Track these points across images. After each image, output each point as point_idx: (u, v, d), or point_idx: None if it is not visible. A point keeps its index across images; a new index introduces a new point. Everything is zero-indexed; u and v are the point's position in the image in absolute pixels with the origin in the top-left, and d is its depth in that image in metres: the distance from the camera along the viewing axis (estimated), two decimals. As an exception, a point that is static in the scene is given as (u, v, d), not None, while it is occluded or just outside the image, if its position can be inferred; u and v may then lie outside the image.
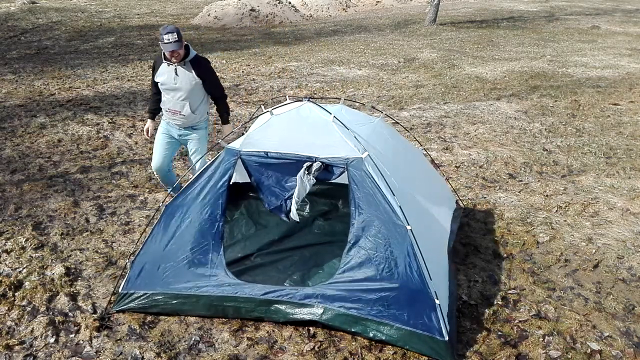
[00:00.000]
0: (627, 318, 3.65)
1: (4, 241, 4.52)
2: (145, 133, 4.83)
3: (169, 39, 4.09)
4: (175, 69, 4.27)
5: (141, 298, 3.55)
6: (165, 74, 4.32)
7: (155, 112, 4.74)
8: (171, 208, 3.65)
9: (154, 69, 4.42)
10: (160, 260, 3.56)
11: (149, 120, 4.79)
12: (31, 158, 6.32)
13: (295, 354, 3.28)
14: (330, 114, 3.60)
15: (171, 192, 4.08)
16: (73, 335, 3.44)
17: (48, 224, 4.83)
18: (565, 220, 4.96)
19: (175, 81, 4.32)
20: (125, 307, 3.57)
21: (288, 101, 3.98)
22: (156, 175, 4.90)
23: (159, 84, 4.40)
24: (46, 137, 6.98)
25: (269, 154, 3.53)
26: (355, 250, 3.33)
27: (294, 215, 3.56)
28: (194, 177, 3.66)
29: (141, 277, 3.58)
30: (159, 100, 4.53)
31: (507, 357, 3.26)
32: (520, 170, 6.08)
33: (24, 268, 4.14)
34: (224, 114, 4.76)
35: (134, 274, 3.60)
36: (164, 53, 4.25)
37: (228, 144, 3.67)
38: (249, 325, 3.51)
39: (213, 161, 3.64)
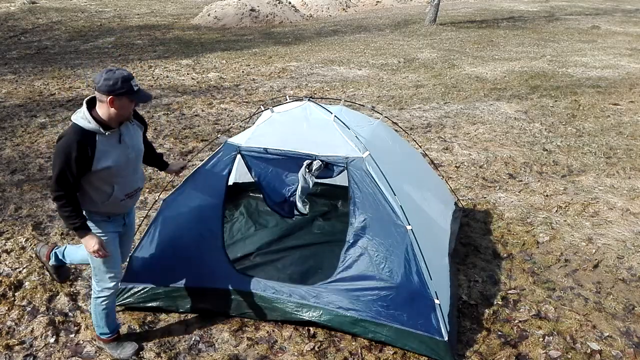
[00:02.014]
0: (627, 318, 3.65)
1: (4, 241, 4.52)
2: (102, 251, 2.87)
3: (137, 84, 2.78)
4: (120, 135, 2.84)
5: (140, 292, 3.55)
6: (111, 152, 2.78)
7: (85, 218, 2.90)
8: (170, 203, 3.64)
9: (81, 157, 2.67)
10: (159, 255, 3.56)
11: (91, 234, 2.86)
12: (31, 158, 6.32)
13: (295, 354, 3.28)
14: (331, 113, 3.61)
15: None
16: (73, 335, 3.44)
17: (48, 224, 4.83)
18: (565, 220, 4.96)
19: (127, 150, 2.89)
20: (124, 301, 3.57)
21: (288, 101, 3.98)
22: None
23: (100, 172, 2.77)
24: (46, 137, 6.97)
25: (268, 150, 3.53)
26: (355, 250, 3.33)
27: (301, 208, 3.54)
28: (193, 171, 3.66)
29: (140, 272, 3.58)
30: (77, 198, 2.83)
31: (507, 357, 3.26)
32: (520, 170, 6.08)
33: (24, 268, 4.14)
34: (161, 157, 3.51)
35: (133, 268, 3.60)
36: (97, 122, 2.71)
37: (230, 137, 3.67)
38: (249, 325, 3.51)
39: (213, 156, 3.63)
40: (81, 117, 2.70)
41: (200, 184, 3.58)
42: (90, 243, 2.84)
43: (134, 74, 10.48)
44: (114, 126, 2.77)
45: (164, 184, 5.67)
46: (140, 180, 3.05)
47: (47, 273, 3.44)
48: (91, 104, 2.76)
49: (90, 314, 3.50)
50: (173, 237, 3.56)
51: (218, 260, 3.50)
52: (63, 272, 3.58)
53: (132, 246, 3.51)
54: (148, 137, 6.13)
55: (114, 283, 3.06)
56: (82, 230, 2.82)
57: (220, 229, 3.53)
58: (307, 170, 3.47)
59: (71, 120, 2.74)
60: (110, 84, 2.64)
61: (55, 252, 3.46)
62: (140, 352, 3.27)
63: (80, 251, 3.32)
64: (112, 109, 2.70)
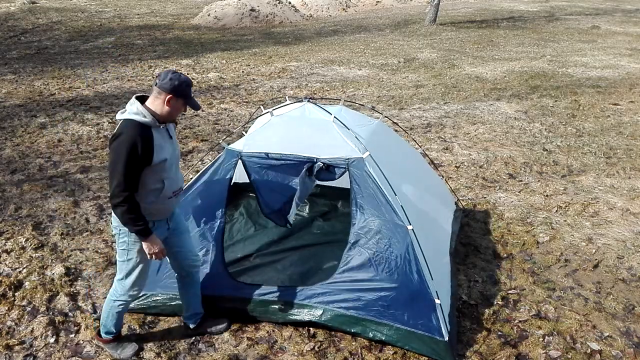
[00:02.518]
0: (627, 318, 3.65)
1: (4, 241, 4.52)
2: (160, 255, 2.94)
3: (193, 92, 2.86)
4: (167, 130, 2.91)
5: (140, 299, 3.54)
6: (165, 145, 2.84)
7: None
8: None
9: (144, 149, 2.69)
10: (159, 262, 3.54)
11: (155, 236, 2.89)
12: (31, 158, 6.32)
13: (295, 354, 3.28)
14: (331, 114, 3.61)
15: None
16: (73, 335, 3.44)
17: (48, 224, 4.83)
18: (565, 220, 4.96)
19: (173, 147, 2.96)
20: (125, 307, 3.57)
21: (288, 102, 3.98)
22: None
23: (157, 166, 2.79)
24: (46, 137, 6.98)
25: (269, 154, 3.53)
26: (356, 250, 3.33)
27: (290, 218, 3.54)
28: (195, 177, 3.66)
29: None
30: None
31: (507, 357, 3.26)
32: (520, 170, 6.08)
33: (24, 268, 4.14)
34: None
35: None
36: (152, 116, 2.75)
37: (229, 144, 3.67)
38: (249, 325, 3.51)
39: (214, 162, 3.64)
40: (135, 113, 2.72)
41: (202, 192, 3.58)
42: (155, 243, 2.86)
43: (133, 74, 10.52)
44: (162, 122, 2.81)
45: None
46: (181, 180, 3.05)
47: None
48: (140, 100, 2.80)
49: (91, 314, 3.50)
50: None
51: (217, 269, 3.49)
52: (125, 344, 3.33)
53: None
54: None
55: (137, 292, 3.09)
56: (148, 232, 2.82)
57: (220, 237, 3.53)
58: (308, 173, 3.46)
59: (120, 119, 2.75)
60: (175, 84, 2.73)
61: (101, 335, 3.29)
62: (140, 352, 3.27)
63: (105, 312, 3.18)
64: (167, 106, 2.76)
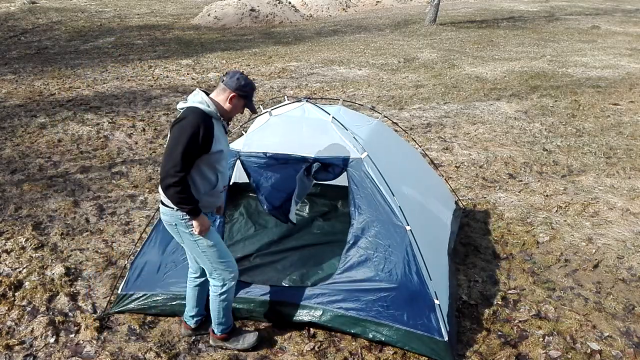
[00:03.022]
0: (627, 318, 3.65)
1: (4, 241, 4.52)
2: (206, 231, 2.94)
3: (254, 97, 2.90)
4: (223, 126, 2.99)
5: (141, 299, 3.55)
6: (222, 138, 2.93)
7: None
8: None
9: (205, 136, 2.76)
10: (159, 262, 3.56)
11: (203, 215, 2.91)
12: (31, 158, 6.32)
13: (295, 354, 3.28)
14: (329, 114, 3.60)
15: None
16: (73, 335, 3.44)
17: (48, 224, 4.83)
18: (565, 220, 4.96)
19: (227, 141, 3.09)
20: (124, 308, 3.57)
21: (286, 101, 3.98)
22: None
23: (214, 155, 2.86)
24: (46, 137, 6.98)
25: (268, 154, 3.53)
26: (355, 251, 3.33)
27: (292, 217, 3.55)
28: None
29: (140, 279, 3.58)
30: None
31: (507, 357, 3.26)
32: (520, 170, 6.08)
33: (24, 268, 4.14)
34: None
35: (133, 275, 3.60)
36: (216, 110, 2.85)
37: None
38: (249, 325, 3.51)
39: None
40: (199, 102, 2.81)
41: None
42: (204, 222, 2.88)
43: (133, 74, 10.52)
44: (221, 116, 2.91)
45: (164, 184, 5.67)
46: (229, 177, 3.16)
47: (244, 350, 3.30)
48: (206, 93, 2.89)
49: (91, 314, 3.50)
50: (174, 243, 3.55)
51: None
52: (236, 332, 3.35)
53: (136, 247, 3.50)
54: (148, 138, 6.12)
55: (234, 273, 3.09)
56: (198, 212, 2.84)
57: (220, 236, 3.52)
58: (306, 173, 3.47)
59: (182, 107, 2.84)
60: (241, 84, 2.85)
61: (215, 331, 3.31)
62: (141, 352, 3.27)
63: (214, 309, 3.18)
64: (228, 104, 2.87)
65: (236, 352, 3.29)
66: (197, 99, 2.84)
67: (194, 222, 2.87)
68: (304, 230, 4.52)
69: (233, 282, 3.11)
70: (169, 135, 2.83)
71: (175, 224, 2.94)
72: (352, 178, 3.39)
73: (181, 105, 2.88)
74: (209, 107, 2.81)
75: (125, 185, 5.62)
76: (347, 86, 9.80)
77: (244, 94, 2.88)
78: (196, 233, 2.90)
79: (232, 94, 2.85)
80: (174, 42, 14.24)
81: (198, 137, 2.72)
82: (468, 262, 4.25)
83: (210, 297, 3.17)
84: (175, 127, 2.79)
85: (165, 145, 2.94)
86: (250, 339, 3.30)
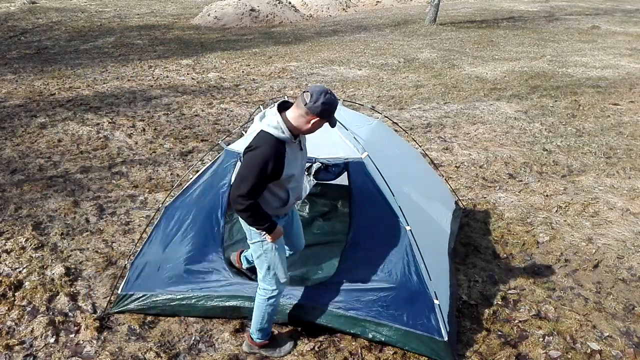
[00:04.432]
0: (627, 318, 3.65)
1: (4, 241, 4.52)
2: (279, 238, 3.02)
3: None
4: (300, 142, 2.91)
5: (141, 299, 3.55)
6: (295, 161, 2.88)
7: None
8: (171, 209, 3.65)
9: (275, 165, 2.72)
10: (160, 262, 3.56)
11: (279, 226, 2.98)
12: (31, 158, 6.32)
13: (295, 354, 3.28)
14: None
15: None
16: (73, 335, 3.44)
17: (48, 224, 4.83)
18: (565, 220, 4.96)
19: (304, 156, 3.02)
20: (124, 308, 3.57)
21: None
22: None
23: (284, 180, 2.83)
24: (46, 137, 6.98)
25: None
26: (355, 251, 3.33)
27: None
28: (194, 178, 3.66)
29: (141, 279, 3.58)
30: None
31: (507, 357, 3.26)
32: (520, 170, 6.08)
33: (24, 268, 4.14)
34: None
35: (134, 275, 3.60)
36: (289, 130, 2.74)
37: (228, 145, 3.67)
38: (249, 325, 3.51)
39: (213, 162, 3.64)
40: (274, 127, 2.69)
41: (201, 191, 3.58)
42: (278, 234, 2.93)
43: (133, 74, 10.52)
44: (296, 135, 2.80)
45: (164, 184, 5.67)
46: (303, 188, 3.12)
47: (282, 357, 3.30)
48: (282, 109, 2.77)
49: (91, 314, 3.50)
50: (174, 243, 3.56)
51: (218, 268, 3.49)
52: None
53: (136, 247, 3.50)
54: (148, 138, 6.11)
55: (286, 279, 3.13)
56: (272, 227, 2.87)
57: (220, 237, 3.53)
58: (307, 173, 3.47)
59: (257, 129, 2.73)
60: (325, 109, 2.67)
61: (245, 256, 3.43)
62: (141, 352, 3.27)
63: (257, 315, 3.21)
64: (309, 125, 2.73)
65: (237, 352, 3.29)
66: (272, 123, 2.69)
67: (268, 236, 2.92)
68: (304, 230, 4.51)
69: (281, 290, 3.13)
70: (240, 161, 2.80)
71: (248, 229, 3.01)
72: (352, 178, 3.39)
73: (256, 122, 2.75)
74: (283, 133, 2.69)
75: (125, 185, 5.62)
76: (347, 86, 9.80)
77: (327, 116, 2.72)
78: (269, 240, 2.94)
79: (314, 119, 2.69)
80: (174, 42, 14.24)
81: (267, 171, 2.68)
82: (468, 262, 4.26)
83: (256, 302, 3.15)
84: (247, 154, 2.72)
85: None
86: (287, 347, 3.29)
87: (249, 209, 2.75)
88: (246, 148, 2.74)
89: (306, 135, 2.92)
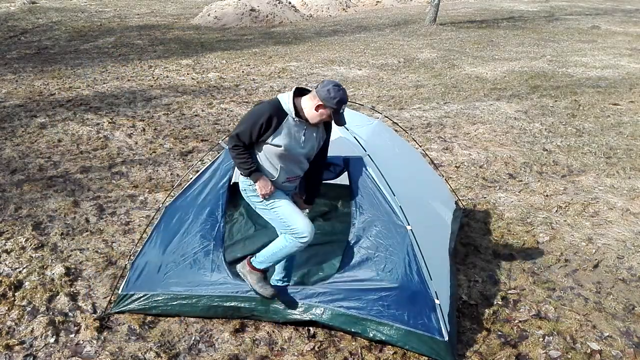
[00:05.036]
0: (627, 318, 3.65)
1: (4, 241, 4.52)
2: (269, 193, 3.19)
3: (344, 109, 3.03)
4: (305, 130, 3.10)
5: (141, 299, 3.55)
6: (289, 137, 3.07)
7: None
8: (171, 209, 3.65)
9: (267, 124, 3.00)
10: (160, 262, 3.56)
11: (264, 177, 3.19)
12: (31, 158, 6.32)
13: (296, 354, 3.28)
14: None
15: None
16: (73, 335, 3.44)
17: (48, 224, 4.83)
18: (565, 220, 4.96)
19: (300, 144, 3.13)
20: (124, 308, 3.57)
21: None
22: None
23: (271, 147, 3.08)
24: (46, 137, 6.98)
25: None
26: (356, 250, 3.33)
27: None
28: (194, 178, 3.66)
29: (141, 279, 3.58)
30: None
31: (507, 357, 3.26)
32: (520, 170, 6.08)
33: (24, 268, 4.14)
34: (316, 184, 3.52)
35: (134, 275, 3.60)
36: (295, 109, 3.00)
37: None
38: (249, 325, 3.51)
39: (213, 162, 3.64)
40: (285, 98, 3.01)
41: (202, 191, 3.58)
42: (263, 184, 3.12)
43: (133, 74, 10.52)
44: (303, 119, 3.02)
45: (164, 184, 5.67)
46: (302, 170, 3.26)
47: (254, 290, 3.34)
48: (299, 92, 3.05)
49: (91, 314, 3.51)
50: (174, 243, 3.56)
51: (219, 268, 3.49)
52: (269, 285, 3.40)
53: (136, 247, 3.49)
54: (148, 138, 6.08)
55: (306, 237, 3.14)
56: (256, 173, 3.11)
57: (220, 237, 3.53)
58: None
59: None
60: (330, 96, 2.89)
61: (252, 261, 3.39)
62: (141, 352, 3.27)
63: (272, 248, 3.32)
64: (314, 110, 2.96)
65: (237, 352, 3.29)
66: (285, 95, 3.02)
67: (256, 185, 3.12)
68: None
69: (302, 245, 3.17)
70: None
71: (245, 190, 3.23)
72: (353, 178, 3.39)
73: (279, 94, 3.08)
74: (287, 104, 2.98)
75: (125, 185, 5.62)
76: (347, 86, 9.80)
77: (331, 106, 2.91)
78: (260, 195, 3.14)
79: (319, 103, 2.92)
80: (174, 42, 14.25)
81: (257, 123, 2.95)
82: (468, 262, 4.26)
83: (278, 238, 3.27)
84: (256, 106, 3.07)
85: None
86: (268, 291, 3.31)
87: (236, 148, 3.06)
88: (259, 101, 3.12)
89: (319, 128, 3.10)
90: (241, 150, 3.07)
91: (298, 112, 2.99)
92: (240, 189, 3.29)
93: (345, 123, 3.06)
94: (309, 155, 3.20)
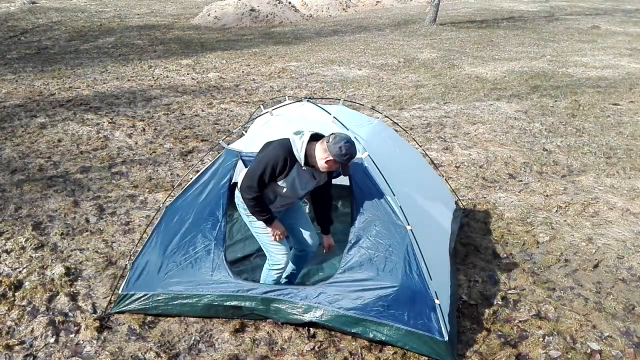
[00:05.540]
0: (627, 318, 3.65)
1: (4, 241, 4.52)
2: (282, 236, 3.42)
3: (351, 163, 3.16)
4: (310, 174, 3.27)
5: (142, 299, 3.55)
6: (295, 180, 3.23)
7: None
8: (172, 209, 3.65)
9: (281, 169, 3.13)
10: (160, 261, 3.56)
11: (278, 221, 3.38)
12: (31, 158, 6.32)
13: (296, 354, 3.28)
14: (330, 114, 3.61)
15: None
16: (73, 335, 3.44)
17: (48, 224, 4.83)
18: (565, 220, 4.96)
19: (302, 185, 3.31)
20: (125, 308, 3.57)
21: (287, 101, 3.98)
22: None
23: (277, 186, 3.24)
24: (46, 137, 6.98)
25: None
26: (355, 250, 3.33)
27: None
28: (195, 178, 3.66)
29: (141, 278, 3.58)
30: None
31: (507, 357, 3.26)
32: (520, 170, 6.08)
33: (24, 268, 4.14)
34: (327, 222, 3.68)
35: (134, 275, 3.60)
36: (305, 157, 3.10)
37: (228, 145, 3.67)
38: (249, 325, 3.51)
39: (214, 162, 3.64)
40: (298, 146, 3.07)
41: (202, 191, 3.58)
42: (279, 228, 3.33)
43: (133, 74, 10.52)
44: (311, 165, 3.14)
45: (164, 184, 5.67)
46: (297, 199, 3.51)
47: None
48: (314, 138, 3.10)
49: (91, 314, 3.52)
50: (175, 243, 3.55)
51: (220, 268, 3.49)
52: None
53: (136, 246, 3.50)
54: (148, 138, 6.14)
55: (281, 264, 3.46)
56: (273, 220, 3.30)
57: (221, 237, 3.53)
58: None
59: (288, 137, 3.13)
60: (341, 153, 3.00)
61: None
62: (141, 352, 3.27)
63: (263, 273, 3.61)
64: (325, 163, 3.07)
65: (237, 352, 3.29)
66: (298, 142, 3.06)
67: (268, 228, 3.32)
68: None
69: (276, 271, 3.47)
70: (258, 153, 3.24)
71: (238, 204, 3.43)
72: (353, 178, 3.39)
73: (293, 135, 3.10)
74: (299, 152, 3.06)
75: (125, 185, 5.62)
76: (347, 86, 9.80)
77: (340, 161, 3.03)
78: (271, 236, 3.35)
79: (330, 158, 3.02)
80: (174, 42, 14.25)
81: (275, 168, 3.07)
82: (468, 262, 4.26)
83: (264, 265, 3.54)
84: (264, 150, 3.17)
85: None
86: None
87: (253, 200, 3.16)
88: (266, 143, 3.20)
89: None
90: (260, 199, 3.18)
91: (308, 161, 3.09)
92: (235, 201, 3.44)
93: (351, 173, 3.23)
94: (304, 195, 3.45)
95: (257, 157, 3.17)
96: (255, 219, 3.34)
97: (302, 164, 3.09)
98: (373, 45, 13.91)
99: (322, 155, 3.05)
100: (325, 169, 3.11)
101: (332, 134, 3.03)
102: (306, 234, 3.57)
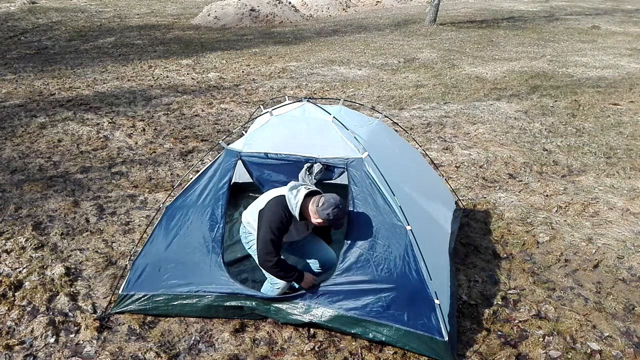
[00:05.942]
0: (627, 318, 3.65)
1: (4, 241, 4.52)
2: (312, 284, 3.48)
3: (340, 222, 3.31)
4: (305, 226, 3.52)
5: (142, 299, 3.55)
6: (291, 232, 3.43)
7: None
8: (172, 209, 3.65)
9: (286, 227, 3.33)
10: (160, 262, 3.56)
11: (308, 274, 3.47)
12: (31, 158, 6.32)
13: (296, 354, 3.28)
14: (330, 114, 3.60)
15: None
16: (73, 335, 3.44)
17: (48, 224, 4.83)
18: (565, 220, 4.96)
19: (298, 236, 3.57)
20: (125, 308, 3.57)
21: (287, 101, 3.98)
22: None
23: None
24: (46, 137, 6.98)
25: (269, 155, 3.53)
26: (355, 251, 3.33)
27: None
28: (195, 178, 3.66)
29: (141, 279, 3.58)
30: None
31: (507, 357, 3.26)
32: (520, 170, 6.08)
33: (24, 268, 4.14)
34: None
35: (134, 275, 3.60)
36: (300, 214, 3.25)
37: (228, 145, 3.67)
38: (249, 325, 3.51)
39: (213, 162, 3.64)
40: (293, 204, 3.20)
41: (202, 191, 3.58)
42: (309, 278, 3.40)
43: (133, 74, 10.51)
44: (305, 218, 3.29)
45: (164, 184, 5.67)
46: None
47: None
48: (309, 195, 3.23)
49: (91, 314, 3.52)
50: (174, 243, 3.55)
51: (218, 269, 3.49)
52: None
53: (136, 247, 3.49)
54: (148, 138, 6.15)
55: (283, 282, 3.46)
56: (302, 275, 3.36)
57: (220, 237, 3.53)
58: (308, 173, 3.48)
59: (282, 194, 3.26)
60: (329, 218, 3.16)
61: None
62: (141, 353, 3.27)
63: (264, 285, 3.65)
64: (317, 221, 3.22)
65: (237, 352, 3.29)
66: (293, 200, 3.19)
67: (304, 281, 3.37)
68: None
69: (281, 287, 3.47)
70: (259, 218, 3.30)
71: (242, 234, 3.59)
72: (353, 178, 3.39)
73: (288, 192, 3.22)
74: (294, 211, 3.20)
75: (125, 185, 5.62)
76: (347, 86, 9.80)
77: (330, 223, 3.22)
78: (305, 287, 3.39)
79: (320, 220, 3.19)
80: (174, 42, 14.25)
81: (282, 228, 3.22)
82: (468, 262, 4.26)
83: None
84: (263, 219, 3.24)
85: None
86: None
87: (277, 265, 3.24)
88: (262, 209, 3.28)
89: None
90: (281, 262, 3.27)
91: (302, 218, 3.25)
92: (241, 232, 3.60)
93: (339, 228, 3.31)
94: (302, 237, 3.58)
95: (260, 224, 3.26)
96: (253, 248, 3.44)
97: (298, 220, 3.25)
98: (373, 45, 13.90)
99: (313, 216, 3.21)
100: (314, 223, 3.27)
101: (322, 196, 3.15)
102: (323, 253, 3.65)
